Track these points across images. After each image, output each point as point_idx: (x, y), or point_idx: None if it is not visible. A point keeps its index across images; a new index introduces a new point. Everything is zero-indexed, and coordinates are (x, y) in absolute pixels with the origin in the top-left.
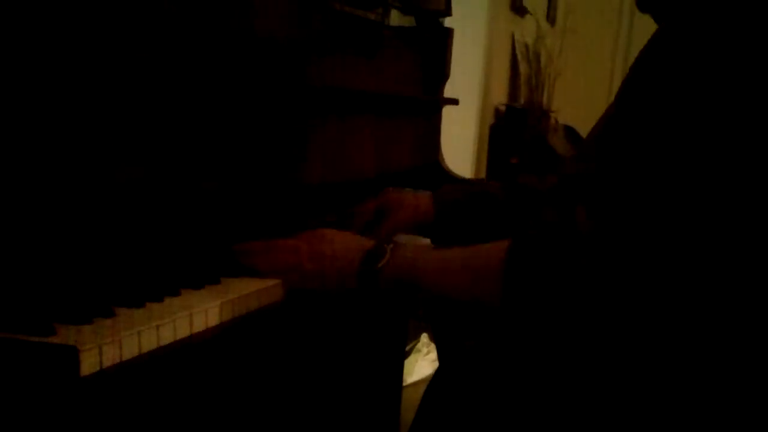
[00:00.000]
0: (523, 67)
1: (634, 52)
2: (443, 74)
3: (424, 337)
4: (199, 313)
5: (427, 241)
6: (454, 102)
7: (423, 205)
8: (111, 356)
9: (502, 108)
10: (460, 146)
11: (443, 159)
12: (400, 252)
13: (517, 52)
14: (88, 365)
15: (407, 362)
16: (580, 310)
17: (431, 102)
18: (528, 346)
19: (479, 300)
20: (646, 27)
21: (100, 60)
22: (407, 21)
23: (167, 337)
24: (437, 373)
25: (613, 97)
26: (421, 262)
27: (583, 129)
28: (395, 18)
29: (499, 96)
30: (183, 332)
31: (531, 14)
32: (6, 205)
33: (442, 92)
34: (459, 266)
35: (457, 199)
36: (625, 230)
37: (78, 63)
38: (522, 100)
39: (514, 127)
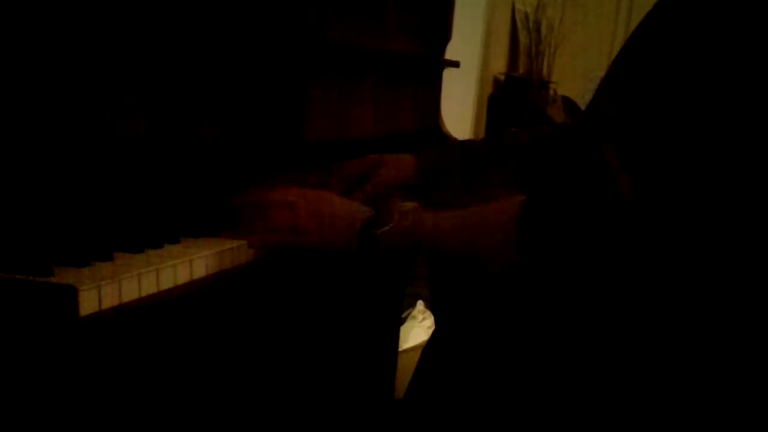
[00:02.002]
0: (522, 37)
1: (635, 25)
2: (445, 36)
3: (420, 305)
4: (199, 259)
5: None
6: (455, 64)
7: (405, 164)
8: (110, 297)
9: (501, 77)
10: (458, 115)
11: (443, 123)
12: (406, 218)
13: (517, 21)
14: (88, 305)
15: (402, 329)
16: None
17: (433, 63)
18: (543, 301)
19: (494, 256)
20: None
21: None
22: None
23: (167, 281)
24: (434, 336)
25: None
26: (430, 225)
27: (582, 101)
28: None
29: (499, 65)
30: (183, 278)
31: None
32: (9, 150)
33: (444, 55)
34: (472, 223)
35: (440, 154)
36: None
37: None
38: (521, 70)
39: (513, 96)
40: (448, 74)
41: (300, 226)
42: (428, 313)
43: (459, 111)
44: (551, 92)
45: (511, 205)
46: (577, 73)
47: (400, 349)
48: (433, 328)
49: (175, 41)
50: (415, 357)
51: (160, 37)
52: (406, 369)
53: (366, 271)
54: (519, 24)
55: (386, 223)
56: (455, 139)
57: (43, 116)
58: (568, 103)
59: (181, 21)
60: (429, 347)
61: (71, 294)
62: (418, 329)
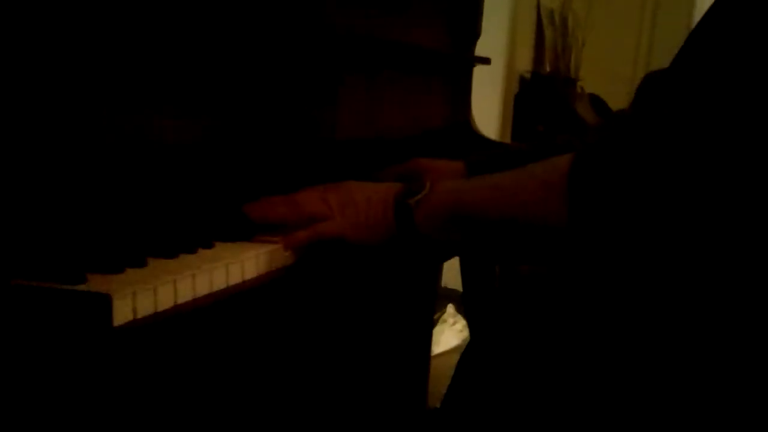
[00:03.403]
0: (548, 34)
1: (662, 20)
2: (475, 32)
3: (450, 308)
4: (235, 263)
5: None
6: (486, 61)
7: (453, 170)
8: (145, 305)
9: (528, 75)
10: (485, 113)
11: (474, 120)
12: (441, 184)
13: (543, 17)
14: (122, 314)
15: (433, 333)
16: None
17: (463, 59)
18: (595, 271)
19: (539, 218)
20: None
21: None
22: None
23: (203, 287)
24: (470, 343)
25: (639, 66)
26: (468, 187)
27: (609, 98)
28: None
29: (524, 63)
30: (219, 283)
31: None
32: (40, 156)
33: (474, 51)
34: (515, 182)
35: (489, 160)
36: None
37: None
38: (547, 68)
39: (540, 94)
40: (474, 74)
41: (335, 215)
42: (459, 317)
43: (485, 109)
44: (578, 89)
45: (559, 162)
46: (604, 70)
47: (431, 354)
48: (465, 331)
49: (203, 43)
50: (447, 362)
51: (186, 41)
52: (437, 374)
53: (397, 266)
54: (544, 20)
55: (419, 192)
56: (486, 137)
57: (74, 121)
58: (595, 100)
59: (204, 22)
60: (466, 355)
61: (105, 302)
62: (448, 333)
